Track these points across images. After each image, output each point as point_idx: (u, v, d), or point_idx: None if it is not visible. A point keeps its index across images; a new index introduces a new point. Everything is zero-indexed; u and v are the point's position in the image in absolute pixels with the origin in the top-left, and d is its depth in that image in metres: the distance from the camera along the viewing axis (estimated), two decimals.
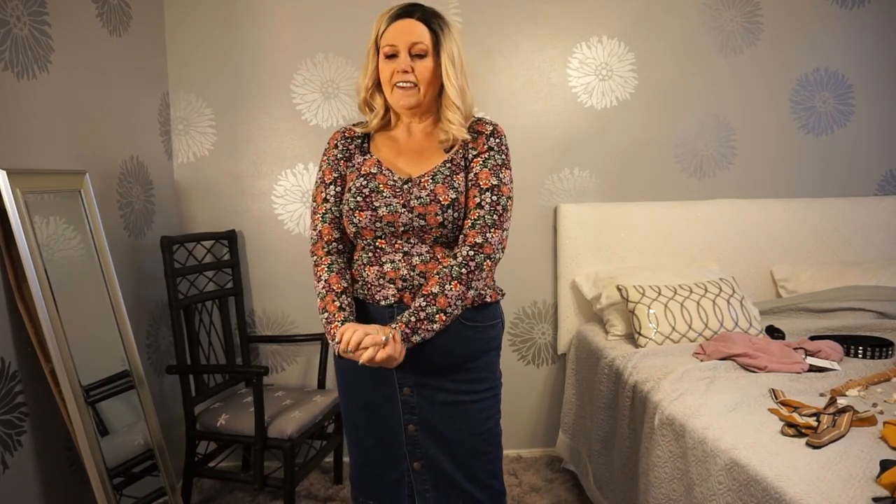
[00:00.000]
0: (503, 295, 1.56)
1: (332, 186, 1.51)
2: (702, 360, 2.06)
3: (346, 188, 1.49)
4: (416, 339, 1.35)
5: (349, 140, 1.54)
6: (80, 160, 2.09)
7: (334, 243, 1.50)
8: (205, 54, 2.74)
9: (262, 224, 2.83)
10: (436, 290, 1.36)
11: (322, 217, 1.50)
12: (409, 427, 1.49)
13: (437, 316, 1.35)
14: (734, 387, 1.80)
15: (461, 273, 1.38)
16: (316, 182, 1.55)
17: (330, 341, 1.38)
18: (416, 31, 1.42)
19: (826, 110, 2.96)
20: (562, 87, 2.86)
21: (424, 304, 1.36)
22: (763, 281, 2.84)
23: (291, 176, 2.82)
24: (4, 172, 1.67)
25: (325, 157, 1.54)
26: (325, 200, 1.50)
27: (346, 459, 2.83)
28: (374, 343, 1.28)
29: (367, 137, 1.55)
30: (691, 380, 1.89)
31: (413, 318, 1.34)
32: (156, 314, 2.58)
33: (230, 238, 2.75)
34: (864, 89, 2.96)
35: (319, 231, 1.50)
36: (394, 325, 1.33)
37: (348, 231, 1.48)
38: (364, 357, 1.27)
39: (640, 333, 2.33)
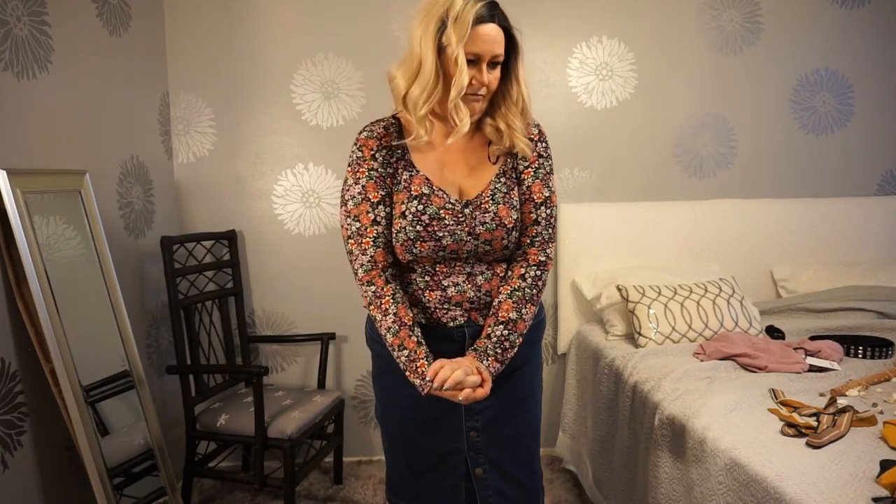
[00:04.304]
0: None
1: (380, 206, 1.36)
2: (702, 360, 2.06)
3: (398, 211, 1.36)
4: (501, 369, 1.34)
5: (388, 151, 1.39)
6: (80, 160, 2.09)
7: (390, 269, 1.38)
8: (205, 54, 2.74)
9: (262, 224, 2.83)
10: (514, 315, 1.35)
11: (374, 241, 1.35)
12: (471, 434, 1.44)
13: (517, 340, 1.36)
14: (734, 387, 1.80)
15: (533, 295, 1.37)
16: (354, 197, 1.36)
17: (416, 380, 1.31)
18: (500, 41, 1.31)
19: (826, 110, 2.96)
20: (562, 87, 2.86)
21: (507, 332, 1.34)
22: (763, 281, 2.84)
23: (291, 176, 2.82)
24: (4, 172, 1.68)
25: (364, 170, 1.37)
26: (376, 223, 1.35)
27: (346, 459, 2.83)
28: (474, 384, 1.24)
29: (404, 147, 1.41)
30: (691, 380, 1.89)
31: (499, 350, 1.33)
32: (156, 314, 2.58)
33: (230, 238, 2.75)
34: (864, 89, 2.96)
35: (372, 257, 1.35)
36: (485, 362, 1.31)
37: (403, 258, 1.38)
38: (462, 395, 1.23)
39: (640, 333, 2.32)
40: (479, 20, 1.27)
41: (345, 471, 2.77)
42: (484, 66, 1.30)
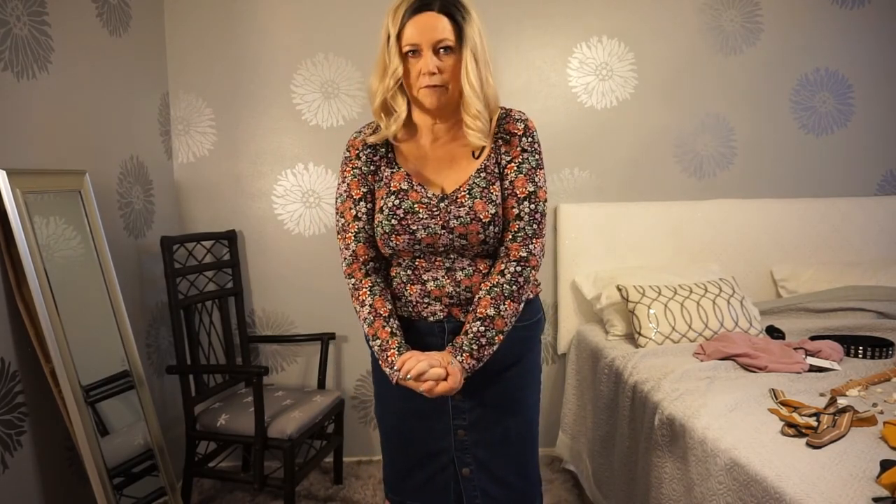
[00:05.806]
0: (539, 287, 1.54)
1: (362, 203, 1.43)
2: (702, 360, 2.06)
3: (377, 206, 1.42)
4: (478, 366, 1.33)
5: (372, 150, 1.44)
6: (80, 160, 2.09)
7: (371, 263, 1.43)
8: (205, 54, 2.74)
9: (262, 224, 2.83)
10: (491, 312, 1.33)
11: (355, 236, 1.42)
12: (459, 432, 1.44)
13: (496, 338, 1.34)
14: (734, 387, 1.80)
15: (512, 291, 1.35)
16: (341, 195, 1.45)
17: (386, 369, 1.34)
18: (440, 27, 1.30)
19: (826, 110, 2.96)
20: (562, 87, 2.86)
21: (483, 328, 1.32)
22: (763, 281, 2.84)
23: (291, 176, 2.82)
24: (4, 172, 1.68)
25: (349, 169, 1.45)
26: (357, 218, 1.42)
27: (346, 459, 2.83)
28: (437, 377, 1.25)
29: (389, 145, 1.45)
30: (691, 380, 1.89)
31: (475, 346, 1.31)
32: (156, 314, 2.58)
33: (230, 238, 2.75)
34: (864, 89, 2.96)
35: (354, 251, 1.42)
36: (459, 358, 1.30)
37: (383, 252, 1.43)
38: (424, 387, 1.25)
39: (640, 333, 2.33)
40: (414, 11, 1.31)
41: (345, 471, 2.77)
42: (427, 53, 1.31)
